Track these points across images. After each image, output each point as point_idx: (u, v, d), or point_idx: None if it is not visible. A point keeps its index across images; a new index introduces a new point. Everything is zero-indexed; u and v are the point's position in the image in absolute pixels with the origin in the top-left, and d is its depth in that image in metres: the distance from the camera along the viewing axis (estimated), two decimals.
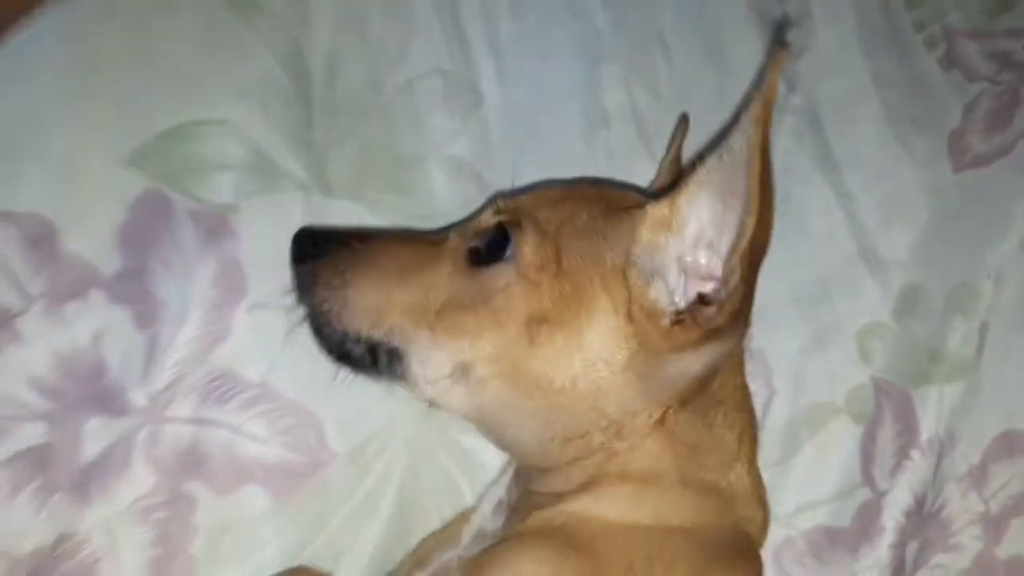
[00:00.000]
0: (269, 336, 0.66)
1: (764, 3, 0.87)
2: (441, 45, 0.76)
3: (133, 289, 0.62)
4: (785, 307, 0.77)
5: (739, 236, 0.48)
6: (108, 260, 0.62)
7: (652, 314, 0.53)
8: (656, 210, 0.53)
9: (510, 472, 0.63)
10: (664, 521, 0.53)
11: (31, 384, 0.59)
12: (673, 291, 0.53)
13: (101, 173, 0.64)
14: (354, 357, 0.58)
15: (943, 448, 0.75)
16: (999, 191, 0.81)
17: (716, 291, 0.51)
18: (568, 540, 0.52)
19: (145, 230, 0.64)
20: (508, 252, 0.55)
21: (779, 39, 0.71)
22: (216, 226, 0.66)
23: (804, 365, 0.77)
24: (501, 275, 0.55)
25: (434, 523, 0.70)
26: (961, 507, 0.74)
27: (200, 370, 0.64)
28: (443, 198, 0.73)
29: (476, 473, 0.71)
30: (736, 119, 0.48)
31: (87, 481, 0.59)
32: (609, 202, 0.58)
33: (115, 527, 0.60)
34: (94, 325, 0.61)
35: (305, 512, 0.65)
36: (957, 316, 0.79)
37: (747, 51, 0.85)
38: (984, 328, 0.78)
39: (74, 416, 0.59)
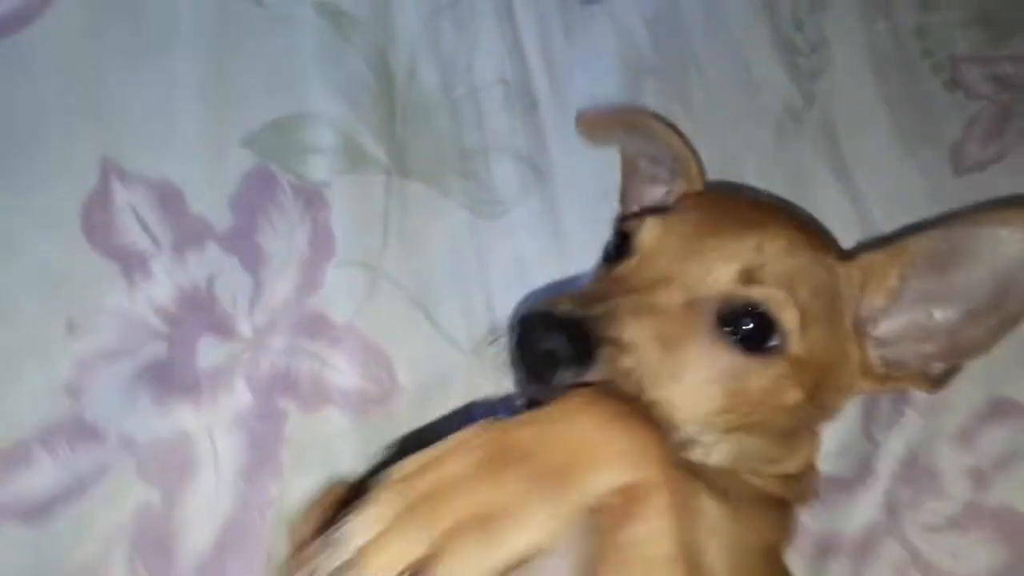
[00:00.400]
0: (353, 289, 0.78)
1: (784, 29, 0.99)
2: (504, 57, 0.89)
3: (242, 243, 0.75)
4: None
5: (993, 334, 0.59)
6: (222, 219, 0.75)
7: (871, 366, 0.62)
8: (878, 268, 0.61)
9: None
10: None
11: (156, 312, 0.71)
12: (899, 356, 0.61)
13: (220, 150, 0.77)
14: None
15: (934, 409, 0.83)
16: (993, 192, 0.90)
17: (937, 371, 0.62)
18: None
19: (254, 197, 0.77)
20: (775, 341, 0.55)
21: None
22: (312, 198, 0.79)
23: None
24: (771, 366, 0.55)
25: None
26: (951, 462, 0.82)
27: (296, 312, 0.76)
28: (503, 184, 0.85)
29: None
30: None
31: (198, 391, 0.70)
32: (823, 247, 0.62)
33: (217, 433, 0.70)
34: (209, 270, 0.73)
35: (375, 434, 0.76)
36: None
37: (768, 71, 0.96)
38: None
39: (190, 338, 0.71)
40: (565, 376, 0.50)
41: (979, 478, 0.84)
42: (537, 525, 0.39)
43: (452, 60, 0.87)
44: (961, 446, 0.83)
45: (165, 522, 0.65)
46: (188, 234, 0.73)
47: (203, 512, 0.66)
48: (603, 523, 0.43)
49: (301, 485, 0.72)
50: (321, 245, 0.77)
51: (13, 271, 0.66)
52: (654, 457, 0.43)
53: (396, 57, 0.85)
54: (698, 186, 0.71)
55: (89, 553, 0.62)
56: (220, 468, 0.70)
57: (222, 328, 0.72)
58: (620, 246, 0.61)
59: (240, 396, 0.72)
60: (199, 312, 0.72)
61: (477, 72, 0.88)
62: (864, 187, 0.92)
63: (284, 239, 0.75)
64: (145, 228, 0.71)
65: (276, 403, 0.73)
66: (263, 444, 0.71)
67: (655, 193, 0.76)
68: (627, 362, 0.51)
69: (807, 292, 0.57)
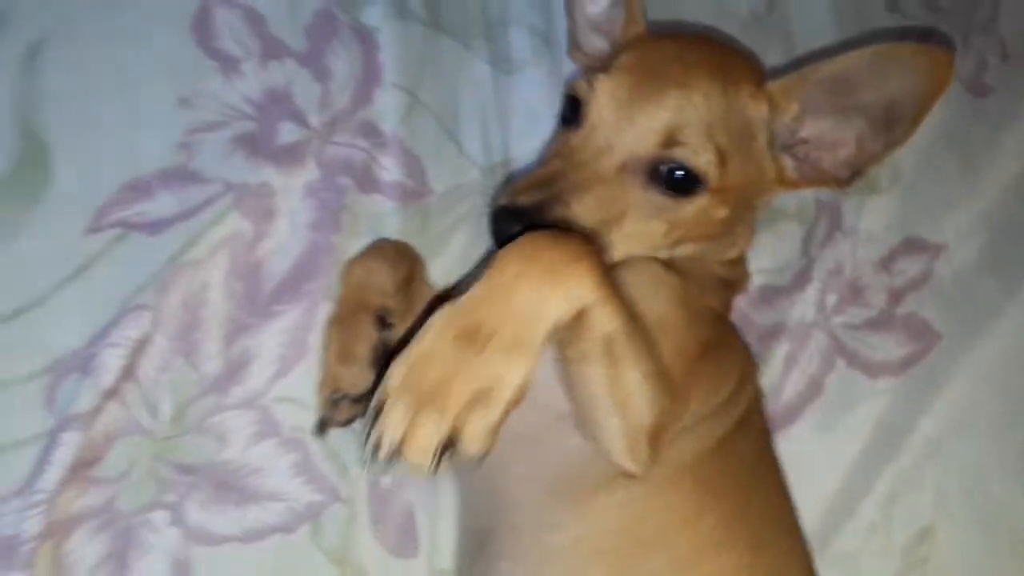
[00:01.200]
0: (396, 108, 0.95)
1: None
2: None
3: (313, 60, 0.93)
4: None
5: (885, 149, 0.70)
6: (297, 42, 0.93)
7: (784, 176, 0.74)
8: (784, 92, 0.72)
9: None
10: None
11: (246, 100, 0.89)
12: (808, 164, 0.74)
13: None
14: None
15: (861, 238, 1.04)
16: None
17: (844, 175, 0.73)
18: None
19: (322, 30, 0.95)
20: (700, 187, 0.69)
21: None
22: (366, 37, 0.97)
23: None
24: (698, 201, 0.69)
25: None
26: (873, 281, 1.03)
27: (352, 118, 0.94)
28: (520, 50, 1.03)
29: None
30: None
31: (279, 159, 0.86)
32: (735, 84, 0.71)
33: (292, 193, 0.84)
34: (287, 75, 0.92)
35: (414, 219, 0.93)
36: None
37: None
38: (897, 167, 1.08)
39: (273, 120, 0.89)
40: None
41: (894, 294, 1.04)
42: (519, 376, 0.52)
43: None
44: (882, 270, 1.05)
45: (252, 249, 0.79)
46: (271, 49, 0.91)
47: (281, 248, 0.80)
48: (564, 338, 0.58)
49: (354, 244, 0.89)
50: (372, 73, 0.96)
51: (139, 57, 0.84)
52: (588, 282, 0.55)
53: None
54: (640, 27, 0.80)
55: (197, 259, 0.77)
56: (295, 218, 0.82)
57: (298, 118, 0.90)
58: (572, 108, 0.73)
59: (310, 170, 0.84)
60: (280, 103, 0.89)
61: None
62: None
63: (345, 64, 0.94)
64: (238, 41, 0.90)
65: (338, 180, 0.90)
66: (328, 207, 0.84)
67: (598, 34, 0.87)
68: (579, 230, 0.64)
69: (723, 133, 0.68)
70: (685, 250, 0.73)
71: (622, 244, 0.69)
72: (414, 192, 0.93)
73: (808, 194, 1.07)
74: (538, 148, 0.92)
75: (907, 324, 1.02)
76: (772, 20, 1.13)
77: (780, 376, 0.93)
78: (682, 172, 0.68)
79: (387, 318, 0.76)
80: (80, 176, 0.79)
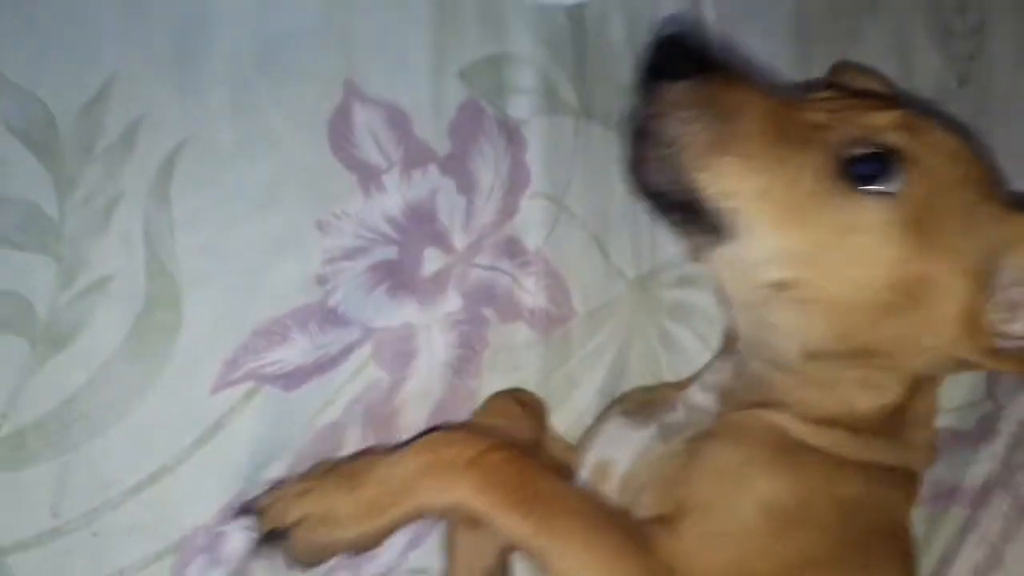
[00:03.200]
0: (542, 219, 0.88)
1: (944, 14, 1.05)
2: (683, 11, 0.96)
3: (458, 167, 0.85)
4: None
5: None
6: (441, 144, 0.85)
7: (982, 329, 0.56)
8: None
9: (728, 362, 0.71)
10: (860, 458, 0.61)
11: (388, 221, 0.82)
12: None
13: (441, 80, 0.86)
14: (672, 203, 0.62)
15: None
16: None
17: None
18: (778, 446, 0.60)
19: (467, 126, 0.86)
20: (895, 188, 0.54)
21: None
22: (512, 134, 0.88)
23: None
24: (877, 210, 0.54)
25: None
26: None
27: (497, 234, 0.86)
28: None
29: (676, 355, 0.91)
30: None
31: (421, 292, 0.81)
32: (990, 188, 0.58)
33: (433, 328, 0.81)
34: (431, 187, 0.84)
35: (554, 349, 0.86)
36: None
37: (925, 54, 1.03)
38: None
39: (417, 246, 0.82)
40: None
41: None
42: (353, 529, 0.61)
43: (639, 14, 0.95)
44: None
45: (389, 399, 0.74)
46: (414, 155, 0.82)
47: (419, 394, 0.75)
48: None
49: (494, 382, 0.83)
50: (518, 177, 0.87)
51: (277, 167, 0.77)
52: (466, 487, 0.60)
53: (591, 7, 0.93)
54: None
55: (332, 418, 0.72)
56: (434, 359, 0.80)
57: (441, 240, 0.82)
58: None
59: (452, 301, 0.82)
60: (423, 223, 0.82)
61: (660, 24, 0.96)
62: (1009, 173, 0.99)
63: (491, 167, 0.85)
64: (379, 146, 0.81)
65: (480, 310, 0.83)
66: (469, 343, 0.82)
67: None
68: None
69: (946, 182, 0.56)
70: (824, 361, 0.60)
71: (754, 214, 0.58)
72: (557, 318, 0.86)
73: None
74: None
75: None
76: (964, 95, 1.02)
77: (953, 544, 0.83)
78: (880, 164, 0.55)
79: None
80: (211, 319, 0.73)
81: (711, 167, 0.57)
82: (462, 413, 0.76)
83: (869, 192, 0.54)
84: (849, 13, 1.01)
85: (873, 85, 0.71)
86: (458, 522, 0.66)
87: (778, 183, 0.56)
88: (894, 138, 0.55)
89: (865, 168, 0.54)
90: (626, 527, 0.59)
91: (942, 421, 0.90)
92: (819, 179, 0.55)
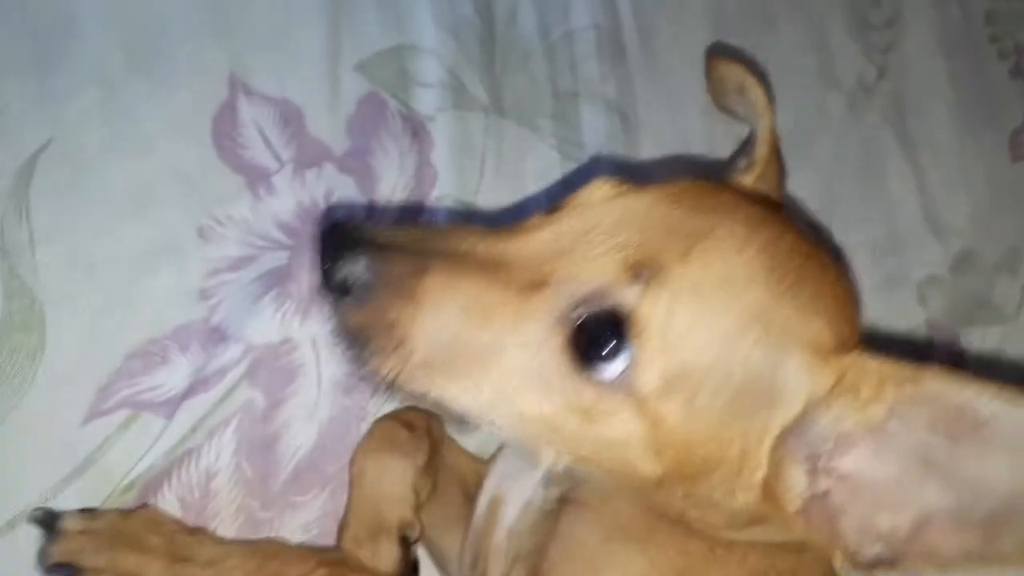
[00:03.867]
0: (450, 221, 0.82)
1: (860, 5, 1.03)
2: (597, 3, 0.92)
3: (357, 164, 0.79)
4: (863, 252, 0.93)
5: (964, 559, 0.37)
6: (338, 141, 0.79)
7: (781, 496, 0.43)
8: (874, 379, 0.41)
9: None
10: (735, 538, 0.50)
11: (278, 225, 0.75)
12: (823, 507, 0.42)
13: (337, 74, 0.80)
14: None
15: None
16: None
17: (868, 552, 0.41)
18: (643, 521, 0.51)
19: (368, 122, 0.80)
20: (621, 370, 0.42)
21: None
22: (418, 129, 0.83)
23: (874, 302, 0.93)
24: (608, 395, 0.42)
25: None
26: None
27: None
28: (591, 130, 0.90)
29: None
30: None
31: (308, 303, 0.74)
32: (786, 320, 0.42)
33: (320, 343, 0.74)
34: (327, 187, 0.77)
35: None
36: (1004, 275, 0.95)
37: (843, 42, 1.01)
38: None
39: (308, 249, 0.75)
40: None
41: None
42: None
43: (549, 2, 0.90)
44: None
45: (266, 421, 0.69)
46: (307, 153, 0.76)
47: (303, 416, 0.70)
48: None
49: (395, 401, 0.77)
50: (424, 177, 0.81)
51: (151, 170, 0.70)
52: None
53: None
54: (757, 170, 0.56)
55: (200, 443, 0.67)
56: (321, 378, 0.74)
57: None
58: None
59: None
60: (316, 226, 0.75)
61: (573, 16, 0.91)
62: (926, 162, 0.98)
63: (395, 165, 0.80)
64: (268, 145, 0.75)
65: None
66: None
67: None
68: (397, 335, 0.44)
69: (706, 344, 0.41)
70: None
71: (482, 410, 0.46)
72: None
73: (918, 320, 0.95)
74: None
75: None
76: (883, 87, 1.01)
77: None
78: (609, 334, 0.42)
79: (410, 537, 0.64)
80: (79, 341, 0.65)
81: (430, 381, 0.45)
82: (354, 435, 0.70)
83: (604, 368, 0.42)
84: (766, 6, 0.98)
85: (747, 80, 0.61)
86: None
87: (504, 371, 0.44)
88: (623, 296, 0.42)
89: (595, 337, 0.42)
90: None
91: None
92: (549, 355, 0.43)
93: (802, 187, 0.93)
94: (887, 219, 0.95)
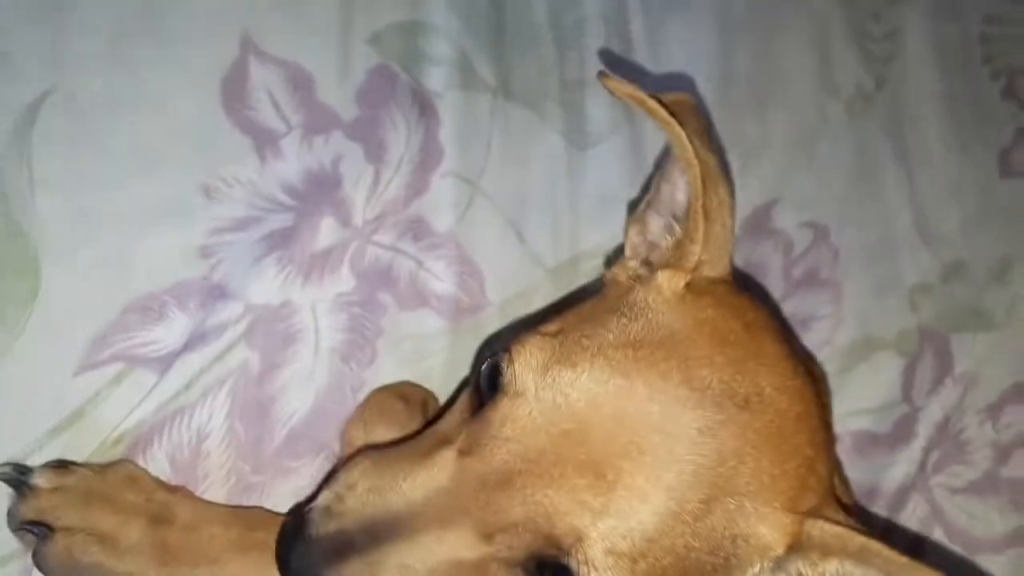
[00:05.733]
0: (454, 200, 0.82)
1: (861, 18, 1.06)
2: None
3: (366, 133, 0.79)
4: (858, 255, 0.95)
5: None
6: (347, 109, 0.79)
7: None
8: (832, 544, 0.46)
9: None
10: None
11: (284, 188, 0.75)
12: None
13: (348, 44, 0.80)
14: None
15: (969, 383, 0.93)
16: None
17: None
18: None
19: (377, 92, 0.80)
20: None
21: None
22: (426, 105, 0.83)
23: (867, 304, 0.95)
24: None
25: None
26: (977, 433, 0.93)
27: (403, 212, 0.80)
28: (596, 120, 0.90)
29: None
30: None
31: (310, 266, 0.74)
32: (734, 506, 0.46)
33: (319, 309, 0.74)
34: (334, 153, 0.77)
35: (463, 339, 0.81)
36: (994, 284, 0.98)
37: (843, 51, 1.03)
38: (1015, 299, 0.97)
39: (314, 213, 0.75)
40: None
41: (999, 451, 0.94)
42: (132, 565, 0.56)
43: None
44: (988, 420, 0.93)
45: (261, 384, 0.68)
46: (316, 119, 0.76)
47: (300, 380, 0.69)
48: None
49: (396, 372, 0.77)
50: (430, 153, 0.81)
51: (160, 126, 0.69)
52: None
53: None
54: (694, 258, 0.55)
55: (193, 402, 0.66)
56: (320, 344, 0.74)
57: (341, 210, 0.76)
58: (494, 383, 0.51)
59: (345, 280, 0.76)
60: (324, 189, 0.75)
61: (584, 5, 0.92)
62: (919, 172, 1.01)
63: (402, 138, 0.80)
64: (277, 108, 0.74)
65: (376, 294, 0.77)
66: (362, 329, 0.76)
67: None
68: None
69: (669, 555, 0.45)
70: None
71: None
72: (468, 307, 0.80)
73: (909, 324, 0.96)
74: (610, 238, 0.83)
75: (1013, 491, 0.92)
76: (881, 98, 1.03)
77: None
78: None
79: None
80: (76, 291, 0.64)
81: None
82: (349, 404, 0.71)
83: None
84: (772, 8, 0.99)
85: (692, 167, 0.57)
86: None
87: None
88: (560, 557, 0.45)
89: None
90: None
91: (859, 423, 0.90)
92: None
93: (801, 188, 0.95)
94: (881, 225, 0.96)
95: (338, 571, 0.47)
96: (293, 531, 0.49)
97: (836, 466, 0.53)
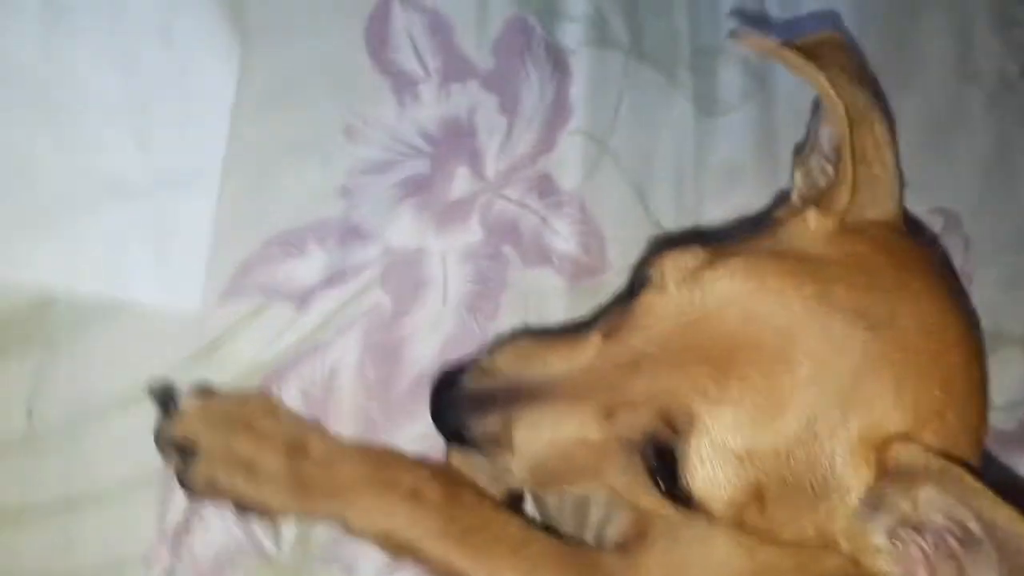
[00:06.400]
0: (580, 159, 0.81)
1: (1006, 5, 1.02)
2: None
3: (501, 84, 0.78)
4: (989, 245, 0.92)
5: None
6: (484, 59, 0.78)
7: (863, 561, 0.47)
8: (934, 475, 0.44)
9: None
10: None
11: (421, 134, 0.75)
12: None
13: None
14: None
15: None
16: None
17: None
18: None
19: (513, 44, 0.80)
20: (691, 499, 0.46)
21: None
22: (559, 61, 0.82)
23: (997, 295, 0.92)
24: (690, 512, 0.48)
25: None
26: None
27: (531, 168, 0.79)
28: (728, 89, 0.89)
29: None
30: None
31: (443, 214, 0.74)
32: (838, 422, 0.45)
33: (449, 258, 0.74)
34: (470, 102, 0.77)
35: (582, 300, 0.80)
36: None
37: (985, 37, 0.99)
38: None
39: (450, 162, 0.75)
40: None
41: None
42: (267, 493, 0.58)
43: None
44: None
45: (392, 327, 0.69)
46: (454, 67, 0.76)
47: (427, 327, 0.70)
48: None
49: (513, 328, 0.76)
50: (560, 109, 0.81)
51: (303, 61, 0.69)
52: (400, 516, 0.59)
53: None
54: (844, 200, 0.54)
55: (328, 339, 0.66)
56: (448, 293, 0.74)
57: (476, 160, 0.76)
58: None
59: (473, 231, 0.76)
60: (460, 138, 0.75)
61: None
62: None
63: (535, 92, 0.79)
64: (417, 54, 0.74)
65: (501, 247, 0.77)
66: (487, 281, 0.76)
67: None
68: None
69: (776, 467, 0.45)
70: None
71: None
72: (588, 268, 0.80)
73: None
74: (735, 211, 0.83)
75: None
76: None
77: None
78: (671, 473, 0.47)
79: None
80: (219, 219, 0.65)
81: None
82: (472, 355, 0.69)
83: (680, 490, 0.47)
84: None
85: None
86: (384, 552, 0.60)
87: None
88: (671, 440, 0.46)
89: (663, 470, 0.47)
90: (574, 563, 0.57)
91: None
92: (636, 480, 0.50)
93: (933, 175, 0.92)
94: (1016, 217, 0.93)
95: (478, 421, 0.51)
96: (448, 380, 0.54)
97: (977, 434, 0.51)
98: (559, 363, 0.51)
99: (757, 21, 0.90)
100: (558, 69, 0.81)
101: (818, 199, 0.58)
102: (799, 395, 0.45)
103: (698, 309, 0.48)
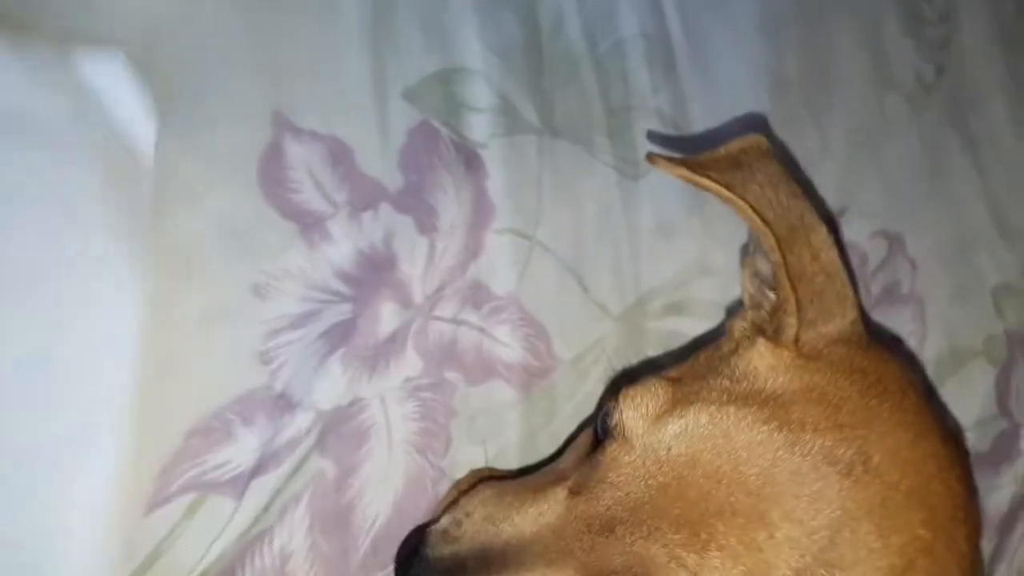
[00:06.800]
0: (512, 259, 0.78)
1: (913, 2, 1.00)
2: (644, 10, 0.88)
3: (414, 202, 0.74)
4: (932, 260, 0.90)
5: None
6: (392, 178, 0.74)
7: None
8: None
9: None
10: None
11: (338, 275, 0.70)
12: None
13: (385, 104, 0.75)
14: None
15: None
16: None
17: None
18: None
19: (420, 154, 0.76)
20: None
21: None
22: (471, 158, 0.78)
23: (949, 312, 0.90)
24: None
25: None
26: None
27: (461, 279, 0.75)
28: (646, 147, 0.86)
29: None
30: None
31: (375, 357, 0.70)
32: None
33: (388, 400, 0.70)
34: (385, 229, 0.72)
35: (538, 406, 0.77)
36: None
37: (898, 41, 0.97)
38: None
39: (373, 300, 0.70)
40: None
41: None
42: None
43: (595, 11, 0.86)
44: None
45: (338, 493, 0.64)
46: (361, 194, 0.71)
47: (376, 484, 0.65)
48: None
49: (470, 457, 0.73)
50: (481, 210, 0.77)
51: (198, 225, 0.64)
52: None
53: (543, 8, 0.83)
54: (792, 328, 0.53)
55: (272, 523, 0.62)
56: (392, 438, 0.70)
57: (400, 290, 0.71)
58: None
59: (411, 364, 0.71)
60: (381, 272, 0.71)
61: (620, 25, 0.87)
62: (988, 160, 0.96)
63: (452, 199, 0.75)
64: (320, 188, 0.70)
65: (444, 374, 0.73)
66: (433, 414, 0.72)
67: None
68: None
69: None
70: None
71: None
72: (538, 371, 0.76)
73: (996, 329, 0.92)
74: (674, 272, 0.82)
75: None
76: (942, 85, 0.98)
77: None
78: None
79: None
80: (133, 421, 0.60)
81: None
82: (431, 498, 0.67)
83: None
84: (817, 4, 0.94)
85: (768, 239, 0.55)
86: None
87: None
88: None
89: None
90: None
91: None
92: None
93: (868, 195, 0.90)
94: (955, 224, 0.92)
95: None
96: (412, 550, 0.52)
97: (970, 558, 0.49)
98: (527, 523, 0.50)
99: (672, 140, 0.86)
100: (471, 168, 0.77)
101: (769, 323, 0.55)
102: (781, 560, 0.44)
103: (665, 469, 0.47)
